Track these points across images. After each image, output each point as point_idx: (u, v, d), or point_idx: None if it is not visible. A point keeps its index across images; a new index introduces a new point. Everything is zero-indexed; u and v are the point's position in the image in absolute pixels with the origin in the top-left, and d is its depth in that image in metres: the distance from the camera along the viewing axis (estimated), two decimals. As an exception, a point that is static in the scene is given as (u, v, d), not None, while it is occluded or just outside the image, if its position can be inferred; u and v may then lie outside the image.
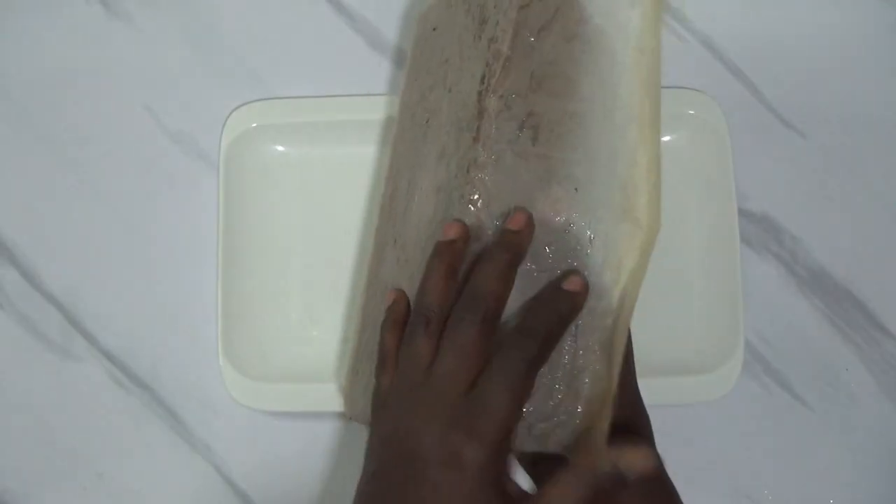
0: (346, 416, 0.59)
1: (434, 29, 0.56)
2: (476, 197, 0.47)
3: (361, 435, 0.63)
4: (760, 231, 0.64)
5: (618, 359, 0.45)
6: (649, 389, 0.60)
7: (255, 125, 0.63)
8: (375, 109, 0.63)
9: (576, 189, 0.47)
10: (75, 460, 0.63)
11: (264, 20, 0.66)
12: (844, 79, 0.66)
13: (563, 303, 0.46)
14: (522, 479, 0.47)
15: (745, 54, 0.66)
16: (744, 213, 0.63)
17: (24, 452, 0.63)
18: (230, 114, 0.63)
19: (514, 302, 0.46)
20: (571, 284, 0.46)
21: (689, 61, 0.66)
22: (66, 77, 0.66)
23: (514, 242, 0.46)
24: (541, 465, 0.49)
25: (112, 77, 0.66)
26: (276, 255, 0.63)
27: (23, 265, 0.64)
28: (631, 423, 0.49)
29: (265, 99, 0.64)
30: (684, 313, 0.62)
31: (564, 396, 0.46)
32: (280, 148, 0.64)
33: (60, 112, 0.65)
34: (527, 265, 0.47)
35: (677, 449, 0.63)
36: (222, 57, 0.66)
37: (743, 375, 0.60)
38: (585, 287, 0.46)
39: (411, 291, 0.49)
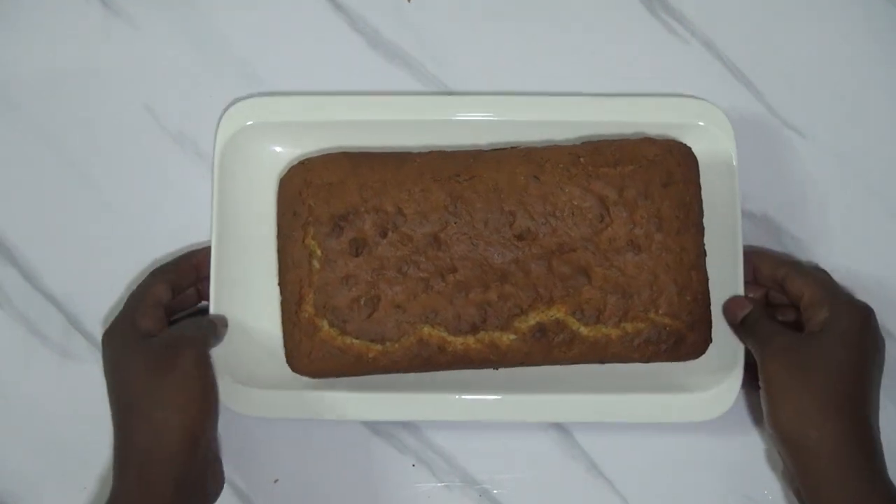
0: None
1: None
2: None
3: (356, 438, 0.63)
4: (760, 231, 0.64)
5: None
6: (643, 407, 0.60)
7: (250, 123, 0.61)
8: (377, 109, 0.62)
9: None
10: (75, 460, 0.63)
11: (265, 21, 0.66)
12: (844, 79, 0.66)
13: None
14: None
15: (746, 55, 0.66)
16: (744, 214, 0.63)
17: (24, 452, 0.63)
18: (225, 111, 0.62)
19: None
20: None
21: (691, 63, 0.66)
22: (66, 77, 0.66)
23: None
24: None
25: (112, 77, 0.66)
26: (271, 260, 0.61)
27: (23, 265, 0.64)
28: None
29: (261, 95, 0.63)
30: None
31: None
32: (277, 149, 0.63)
33: (60, 112, 0.65)
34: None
35: (678, 448, 0.63)
36: (222, 57, 0.66)
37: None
38: None
39: None
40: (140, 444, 0.53)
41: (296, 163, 0.60)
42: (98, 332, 0.63)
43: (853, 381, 0.54)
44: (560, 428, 0.63)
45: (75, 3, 0.66)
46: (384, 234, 0.58)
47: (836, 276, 0.63)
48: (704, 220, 0.59)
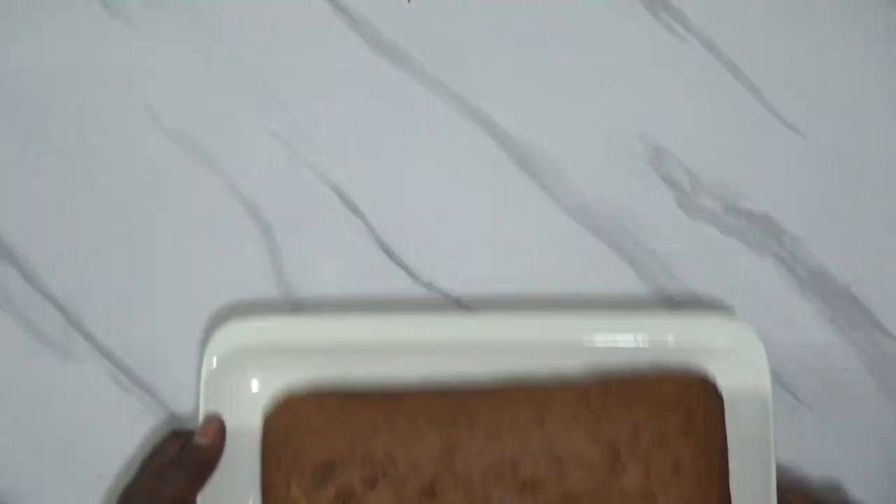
0: None
1: None
2: None
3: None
4: (760, 231, 0.64)
5: None
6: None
7: (232, 354, 0.56)
8: (369, 332, 0.56)
9: None
10: (75, 460, 0.63)
11: (265, 20, 0.66)
12: (844, 79, 0.66)
13: None
14: None
15: (746, 55, 0.66)
16: (744, 213, 0.64)
17: (24, 452, 0.63)
18: (205, 341, 0.59)
19: None
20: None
21: (690, 62, 0.66)
22: (66, 77, 0.66)
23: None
24: None
25: (112, 77, 0.66)
26: None
27: (23, 265, 0.64)
28: None
29: (240, 317, 0.58)
30: None
31: None
32: (255, 381, 0.58)
33: (60, 112, 0.65)
34: None
35: (677, 449, 0.63)
36: (222, 57, 0.66)
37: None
38: None
39: None
40: None
41: (281, 401, 0.57)
42: (98, 332, 0.63)
43: None
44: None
45: (75, 3, 0.66)
46: (373, 485, 0.54)
47: (836, 276, 0.63)
48: (730, 461, 0.55)
